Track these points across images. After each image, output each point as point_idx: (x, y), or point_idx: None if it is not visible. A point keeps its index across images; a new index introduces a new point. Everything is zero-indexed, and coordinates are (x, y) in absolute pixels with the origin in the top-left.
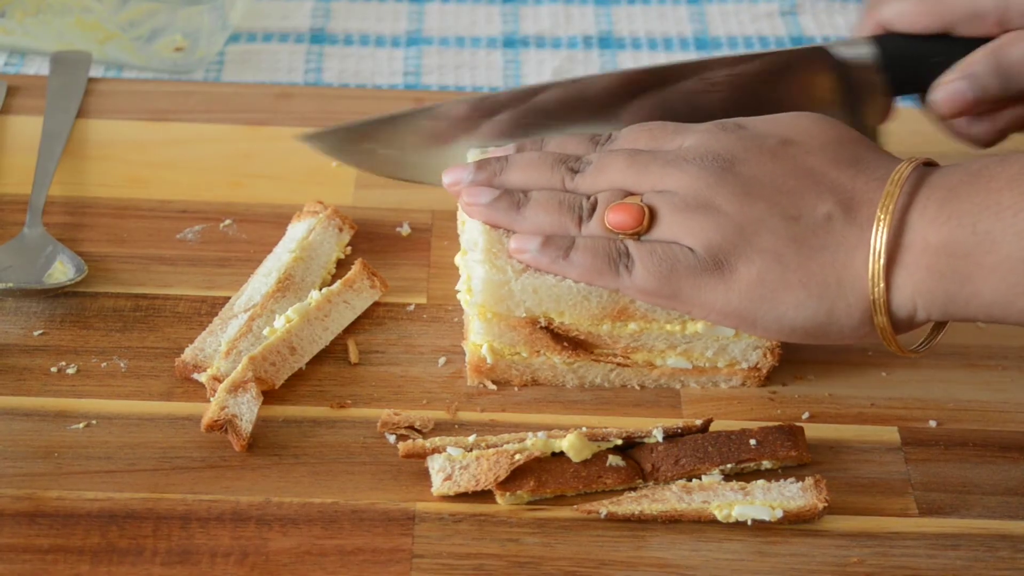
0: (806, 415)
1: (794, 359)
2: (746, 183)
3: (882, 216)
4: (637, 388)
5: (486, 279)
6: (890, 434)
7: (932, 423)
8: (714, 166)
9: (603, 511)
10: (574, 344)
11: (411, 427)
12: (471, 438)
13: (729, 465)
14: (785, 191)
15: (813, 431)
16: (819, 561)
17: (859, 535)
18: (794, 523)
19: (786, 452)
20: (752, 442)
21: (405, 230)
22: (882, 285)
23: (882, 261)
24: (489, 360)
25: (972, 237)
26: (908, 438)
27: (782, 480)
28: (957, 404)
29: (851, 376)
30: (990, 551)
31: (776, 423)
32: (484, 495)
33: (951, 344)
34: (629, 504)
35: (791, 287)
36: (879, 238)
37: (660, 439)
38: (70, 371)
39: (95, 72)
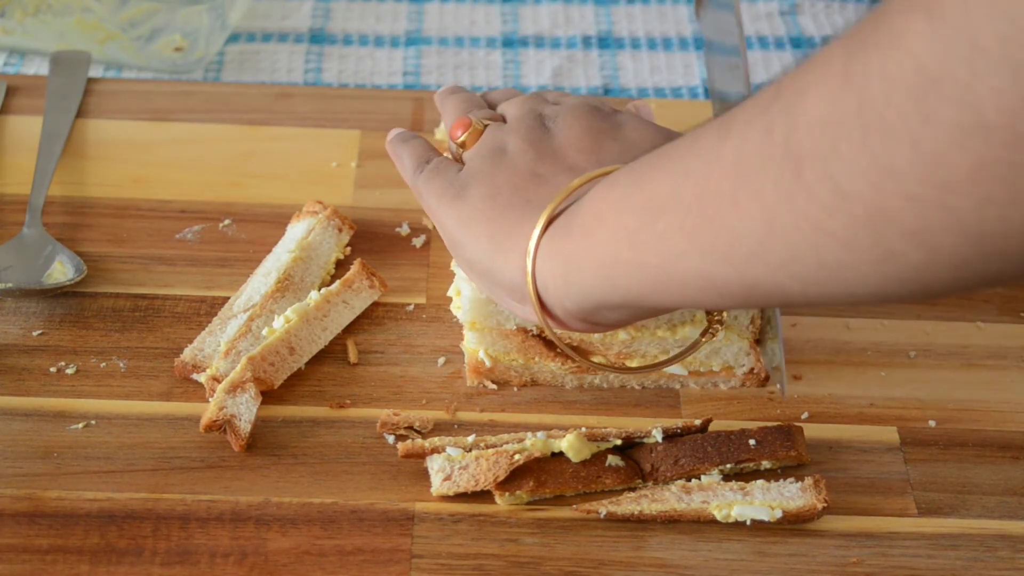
0: (805, 415)
1: (793, 359)
2: (539, 139)
3: (566, 189)
4: (637, 388)
5: (473, 298)
6: (889, 434)
7: (931, 423)
8: (536, 124)
9: (602, 511)
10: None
11: (410, 427)
12: (470, 438)
13: (728, 465)
14: (547, 155)
15: (812, 431)
16: (818, 561)
17: (858, 535)
18: (793, 523)
19: (785, 452)
20: (751, 442)
21: (405, 230)
22: (534, 243)
23: (541, 226)
24: (487, 363)
25: (603, 200)
26: (907, 438)
27: (781, 480)
28: (956, 404)
29: (850, 376)
30: (989, 551)
31: (775, 423)
32: (483, 495)
33: (950, 344)
34: (628, 504)
35: (485, 222)
36: (550, 206)
37: (659, 439)
38: (69, 371)
39: (95, 72)
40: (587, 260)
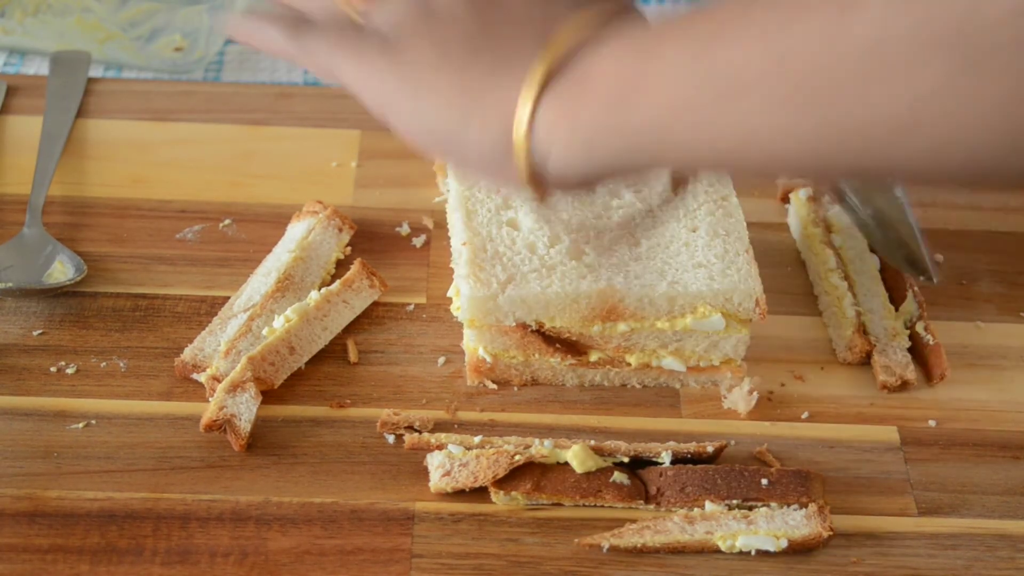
0: (805, 415)
1: (792, 359)
2: None
3: (553, 44)
4: (637, 387)
5: (471, 296)
6: (889, 434)
7: (931, 423)
8: None
9: (605, 544)
10: (567, 346)
11: (410, 427)
12: (477, 439)
13: (734, 501)
14: (501, 4)
15: (812, 431)
16: (819, 561)
17: (859, 535)
18: (798, 552)
19: (796, 498)
20: (764, 482)
21: (405, 230)
22: (529, 107)
23: (535, 88)
24: (488, 360)
25: (637, 67)
26: (907, 438)
27: (785, 507)
28: (957, 404)
29: (850, 376)
30: (990, 551)
31: (793, 468)
32: (484, 495)
33: (951, 344)
34: (631, 536)
35: (444, 87)
36: (541, 66)
37: (668, 462)
38: (69, 371)
39: (95, 72)
40: (622, 132)
